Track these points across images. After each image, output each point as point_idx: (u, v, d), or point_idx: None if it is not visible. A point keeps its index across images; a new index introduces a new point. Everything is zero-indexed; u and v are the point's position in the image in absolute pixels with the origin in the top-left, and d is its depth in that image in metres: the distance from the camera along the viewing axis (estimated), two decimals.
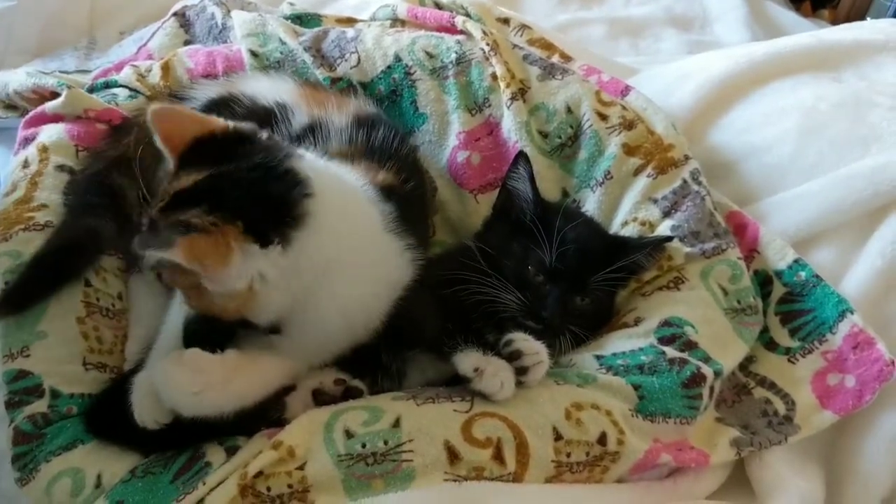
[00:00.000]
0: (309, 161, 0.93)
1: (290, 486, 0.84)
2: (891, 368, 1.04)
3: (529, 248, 1.08)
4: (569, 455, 0.90)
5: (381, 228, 0.98)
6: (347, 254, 0.91)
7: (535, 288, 1.06)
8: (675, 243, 1.16)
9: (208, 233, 0.80)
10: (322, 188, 0.89)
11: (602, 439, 0.91)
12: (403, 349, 1.01)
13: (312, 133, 1.11)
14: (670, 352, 1.02)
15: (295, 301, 0.89)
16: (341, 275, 0.91)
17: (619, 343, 1.06)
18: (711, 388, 1.02)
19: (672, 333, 1.05)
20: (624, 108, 1.29)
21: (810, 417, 1.06)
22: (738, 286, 1.14)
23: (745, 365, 1.13)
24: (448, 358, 0.94)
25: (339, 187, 0.96)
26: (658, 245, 1.15)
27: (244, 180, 0.85)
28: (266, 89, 1.20)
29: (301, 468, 0.85)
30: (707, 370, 1.01)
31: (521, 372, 0.93)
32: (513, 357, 0.94)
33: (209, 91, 1.22)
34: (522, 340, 0.95)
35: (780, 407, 1.08)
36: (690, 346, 1.04)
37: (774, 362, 1.12)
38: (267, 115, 1.14)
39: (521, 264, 1.08)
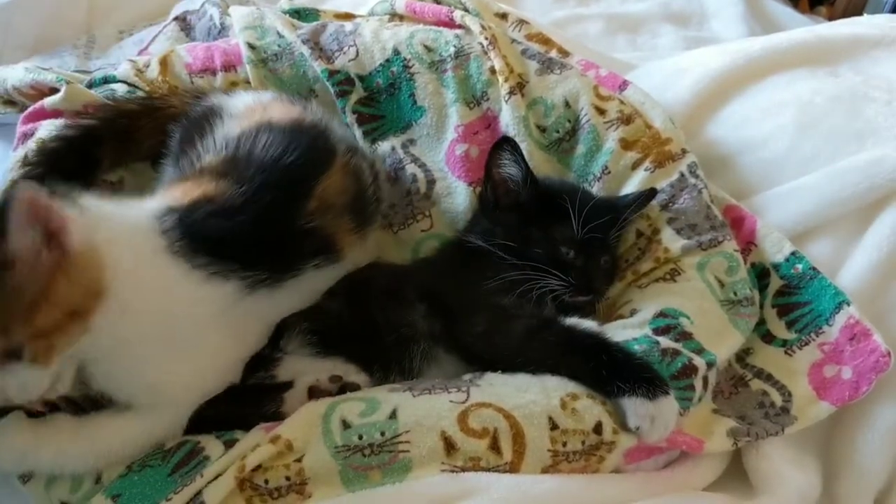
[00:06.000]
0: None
1: (287, 478, 0.84)
2: (887, 359, 1.05)
3: (553, 228, 1.11)
4: (565, 444, 0.90)
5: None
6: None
7: (571, 263, 1.09)
8: (672, 235, 1.17)
9: None
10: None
11: (598, 428, 0.91)
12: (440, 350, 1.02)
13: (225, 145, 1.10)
14: (664, 342, 1.02)
15: None
16: None
17: (615, 334, 1.05)
18: (705, 379, 1.02)
19: (667, 324, 1.05)
20: (622, 102, 1.29)
21: (807, 409, 1.06)
22: (734, 278, 1.14)
23: (742, 357, 1.13)
24: (612, 397, 0.93)
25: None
26: (647, 199, 1.19)
27: None
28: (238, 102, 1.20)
29: (299, 460, 0.85)
30: (699, 361, 1.01)
31: None
32: None
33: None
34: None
35: (777, 398, 1.08)
36: (685, 336, 1.04)
37: (771, 354, 1.13)
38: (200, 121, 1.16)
39: (551, 245, 1.10)
